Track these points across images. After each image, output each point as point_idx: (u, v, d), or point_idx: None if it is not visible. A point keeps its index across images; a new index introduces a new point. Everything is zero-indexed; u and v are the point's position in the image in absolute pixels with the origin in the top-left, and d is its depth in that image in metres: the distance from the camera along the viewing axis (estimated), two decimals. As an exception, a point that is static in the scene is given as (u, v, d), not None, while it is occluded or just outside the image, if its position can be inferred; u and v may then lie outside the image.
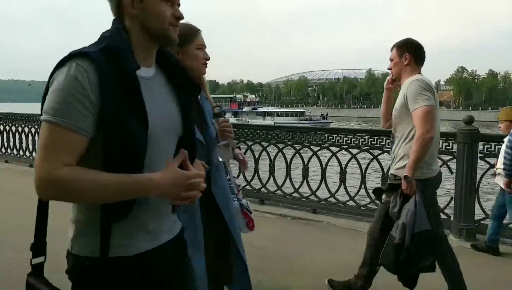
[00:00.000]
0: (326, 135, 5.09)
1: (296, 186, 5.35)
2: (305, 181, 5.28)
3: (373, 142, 4.80)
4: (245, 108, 67.92)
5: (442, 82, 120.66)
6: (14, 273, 3.45)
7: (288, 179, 5.40)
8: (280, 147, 5.42)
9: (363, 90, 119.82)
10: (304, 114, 63.61)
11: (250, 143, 5.66)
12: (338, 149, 5.03)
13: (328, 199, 5.12)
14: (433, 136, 2.50)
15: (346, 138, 4.95)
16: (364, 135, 4.88)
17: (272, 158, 5.51)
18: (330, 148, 5.09)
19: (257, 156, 5.65)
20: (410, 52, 2.68)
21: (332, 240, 4.35)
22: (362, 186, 4.90)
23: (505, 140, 3.57)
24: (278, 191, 5.49)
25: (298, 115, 61.81)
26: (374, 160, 4.81)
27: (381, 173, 4.82)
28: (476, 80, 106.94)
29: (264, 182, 5.59)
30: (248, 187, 5.73)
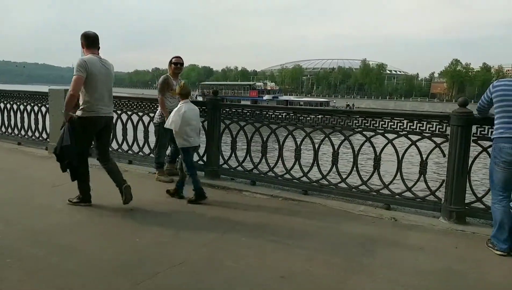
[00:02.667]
0: (320, 116, 5.04)
1: (288, 167, 5.30)
2: (297, 163, 5.24)
3: (366, 124, 4.76)
4: (266, 96, 65.70)
5: (436, 74, 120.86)
6: (2, 243, 3.43)
7: (280, 161, 5.35)
8: (273, 128, 5.36)
9: (358, 80, 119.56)
10: (328, 104, 61.26)
11: (242, 123, 5.59)
12: (331, 130, 4.98)
13: (320, 181, 5.09)
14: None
15: (340, 120, 4.90)
16: (357, 116, 4.83)
17: (264, 139, 5.45)
18: (323, 129, 5.03)
19: (249, 136, 5.59)
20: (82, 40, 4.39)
21: (321, 220, 4.33)
22: (354, 168, 4.88)
23: None
24: (270, 172, 5.45)
25: (323, 105, 59.05)
26: (367, 142, 4.78)
27: (373, 155, 4.79)
28: (470, 73, 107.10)
29: (256, 163, 5.54)
30: (239, 168, 5.69)
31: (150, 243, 3.57)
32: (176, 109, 4.82)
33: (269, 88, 72.64)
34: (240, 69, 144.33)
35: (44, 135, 7.74)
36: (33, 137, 7.98)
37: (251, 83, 77.84)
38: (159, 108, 5.67)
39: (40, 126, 7.84)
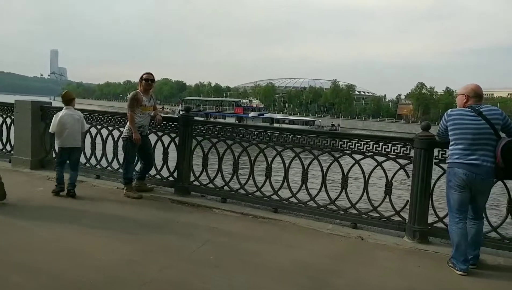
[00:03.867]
0: (290, 136, 5.13)
1: (259, 185, 5.35)
2: (267, 181, 5.30)
3: (334, 145, 4.89)
4: (251, 114, 65.12)
5: (402, 96, 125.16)
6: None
7: (251, 178, 5.40)
8: (245, 146, 5.41)
9: (328, 100, 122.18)
10: (314, 123, 61.29)
11: (214, 140, 5.62)
12: (301, 150, 5.08)
13: (290, 199, 5.15)
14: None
15: (310, 140, 5.02)
16: (326, 137, 4.96)
17: (236, 156, 5.48)
18: (293, 148, 5.13)
19: (221, 154, 5.61)
20: None
21: (291, 239, 4.38)
22: (323, 187, 4.98)
23: None
24: (241, 190, 5.47)
25: (308, 124, 59.37)
26: (335, 162, 4.91)
27: (341, 175, 4.91)
28: (434, 96, 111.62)
29: (227, 180, 5.55)
30: (210, 185, 5.69)
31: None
32: (56, 114, 5.72)
33: (255, 106, 72.32)
34: (213, 85, 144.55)
35: (8, 147, 7.47)
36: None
37: (236, 100, 77.38)
38: (127, 123, 5.62)
39: (4, 138, 7.56)
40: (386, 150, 4.60)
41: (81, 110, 6.72)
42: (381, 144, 4.63)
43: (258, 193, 5.35)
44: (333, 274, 3.54)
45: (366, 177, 4.76)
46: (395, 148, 4.57)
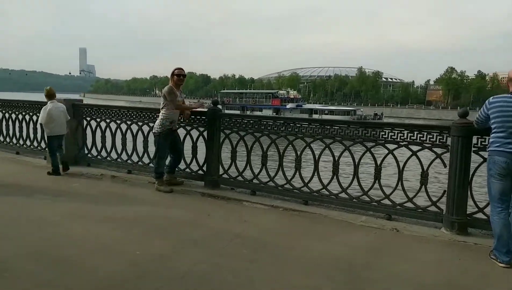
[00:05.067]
0: (320, 126, 5.03)
1: (289, 177, 5.29)
2: (297, 173, 5.23)
3: (366, 134, 4.76)
4: (289, 105, 63.57)
5: (431, 82, 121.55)
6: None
7: (280, 170, 5.34)
8: (273, 138, 5.35)
9: (354, 88, 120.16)
10: (355, 112, 59.46)
11: (242, 133, 5.58)
12: (331, 140, 4.97)
13: (320, 191, 5.07)
14: None
15: (340, 130, 4.90)
16: (358, 127, 4.83)
17: (264, 149, 5.43)
18: (323, 139, 5.02)
19: (249, 146, 5.58)
20: None
21: (323, 232, 4.31)
22: (355, 178, 4.86)
23: None
24: (270, 182, 5.42)
25: (350, 113, 57.63)
26: (368, 152, 4.77)
27: (373, 166, 4.78)
28: (465, 81, 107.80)
29: (256, 173, 5.52)
30: (239, 178, 5.67)
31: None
32: (44, 107, 6.56)
33: (292, 97, 70.09)
34: (237, 77, 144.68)
35: (43, 145, 7.69)
36: (32, 147, 7.94)
37: (273, 91, 74.95)
38: (159, 118, 5.65)
39: (38, 136, 7.80)
40: (421, 138, 4.44)
41: (110, 107, 6.88)
42: (416, 132, 4.46)
43: (287, 186, 5.29)
44: (368, 268, 3.45)
45: (401, 167, 4.61)
46: (431, 136, 4.40)
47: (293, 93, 74.25)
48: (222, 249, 3.74)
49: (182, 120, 5.92)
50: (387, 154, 4.70)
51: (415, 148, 4.51)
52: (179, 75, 5.63)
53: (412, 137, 4.49)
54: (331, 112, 59.35)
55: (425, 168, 4.47)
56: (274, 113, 57.86)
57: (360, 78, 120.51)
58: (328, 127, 4.97)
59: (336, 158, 4.94)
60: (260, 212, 4.92)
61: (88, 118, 7.08)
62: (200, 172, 5.96)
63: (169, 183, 5.82)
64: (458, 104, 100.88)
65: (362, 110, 66.80)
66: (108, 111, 6.81)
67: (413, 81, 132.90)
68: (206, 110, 5.84)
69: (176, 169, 6.06)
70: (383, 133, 4.64)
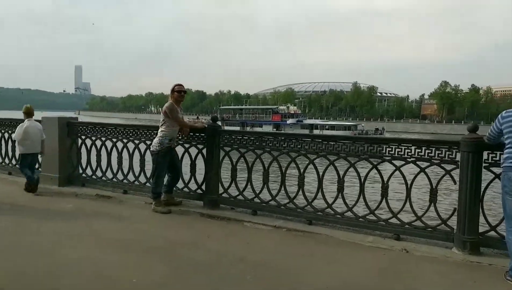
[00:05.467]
0: (324, 142, 4.87)
1: (291, 196, 5.10)
2: (300, 191, 5.04)
3: (372, 151, 4.60)
4: (289, 121, 62.93)
5: (426, 96, 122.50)
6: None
7: (282, 189, 5.15)
8: (275, 155, 5.18)
9: (349, 103, 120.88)
10: (356, 127, 59.35)
11: (243, 150, 5.41)
12: (336, 157, 4.81)
13: (325, 210, 4.87)
14: None
15: (345, 146, 4.74)
16: (363, 143, 4.68)
17: (266, 166, 5.25)
18: (327, 156, 4.86)
19: (250, 164, 5.40)
20: None
21: (330, 254, 4.11)
22: (361, 197, 4.68)
23: None
24: (272, 201, 5.23)
25: (351, 128, 57.55)
26: (373, 170, 4.61)
27: (380, 183, 4.61)
28: (459, 95, 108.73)
29: (257, 191, 5.32)
30: (240, 197, 5.47)
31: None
32: (21, 124, 6.61)
33: (293, 112, 69.55)
34: (233, 93, 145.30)
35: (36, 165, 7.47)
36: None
37: (273, 107, 74.73)
38: (157, 137, 5.47)
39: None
40: (430, 154, 4.28)
41: (105, 124, 6.70)
42: (423, 148, 4.31)
43: (290, 205, 5.09)
44: (382, 293, 3.25)
45: (409, 184, 4.44)
46: (439, 152, 4.24)
47: (293, 109, 73.80)
48: (225, 274, 3.52)
49: (180, 137, 5.75)
50: (394, 171, 4.53)
51: (423, 164, 4.35)
52: (179, 92, 5.48)
53: (420, 153, 4.33)
54: (332, 127, 59.26)
55: (434, 185, 4.31)
56: (275, 129, 57.47)
57: (355, 93, 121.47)
58: (332, 143, 4.81)
59: (341, 176, 4.76)
60: (262, 233, 4.71)
61: (83, 137, 6.88)
62: (199, 191, 5.76)
63: (167, 203, 5.61)
64: (453, 118, 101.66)
65: (363, 125, 66.72)
66: (104, 129, 6.62)
67: (408, 96, 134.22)
68: (205, 126, 5.67)
69: (174, 188, 5.86)
70: (390, 149, 4.48)
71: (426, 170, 4.37)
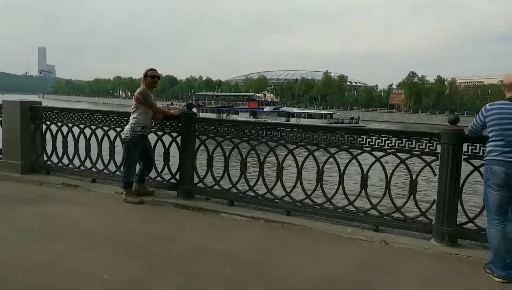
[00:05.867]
0: (303, 133, 4.76)
1: (269, 186, 4.97)
2: (279, 181, 4.92)
3: (352, 141, 4.52)
4: (266, 108, 61.80)
5: (394, 86, 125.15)
6: None
7: (260, 179, 5.01)
8: (253, 144, 5.03)
9: (320, 91, 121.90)
10: (332, 116, 59.66)
11: (220, 139, 5.22)
12: (315, 147, 4.70)
13: (304, 201, 4.78)
14: None
15: (325, 136, 4.64)
16: (343, 133, 4.58)
17: (244, 156, 5.09)
18: (307, 146, 4.75)
19: (227, 153, 5.22)
20: None
21: (310, 246, 4.02)
22: (340, 188, 4.61)
23: None
24: (250, 192, 5.09)
25: (327, 117, 57.83)
26: (353, 160, 4.53)
27: (360, 174, 4.55)
28: (426, 85, 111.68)
29: (234, 181, 5.16)
30: (216, 187, 5.30)
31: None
32: None
33: (269, 100, 68.38)
34: (204, 79, 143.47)
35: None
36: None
37: (250, 94, 73.16)
38: (129, 124, 5.19)
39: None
40: (410, 146, 4.24)
41: (72, 110, 6.32)
42: (404, 139, 4.26)
43: (268, 195, 4.97)
44: (364, 287, 3.19)
45: (388, 176, 4.39)
46: (420, 143, 4.21)
47: (270, 96, 72.94)
48: (202, 270, 3.36)
49: (153, 124, 5.48)
50: (374, 162, 4.48)
51: (403, 155, 4.31)
52: (153, 77, 5.19)
53: (400, 144, 4.29)
54: (309, 115, 59.33)
55: (413, 177, 4.28)
56: (251, 116, 57.21)
57: (326, 82, 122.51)
58: (312, 133, 4.70)
59: (321, 166, 4.67)
60: (240, 224, 4.57)
61: (48, 122, 6.47)
62: (173, 180, 5.54)
63: (138, 193, 5.36)
64: (419, 108, 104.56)
65: (338, 114, 67.01)
66: (71, 115, 6.23)
67: (377, 85, 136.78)
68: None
69: (146, 178, 5.61)
70: (370, 140, 4.41)
71: (407, 161, 4.34)
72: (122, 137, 5.26)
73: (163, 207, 5.09)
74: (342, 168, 4.59)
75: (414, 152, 4.24)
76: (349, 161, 4.55)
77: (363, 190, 4.51)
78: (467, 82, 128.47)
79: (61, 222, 4.44)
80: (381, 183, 4.50)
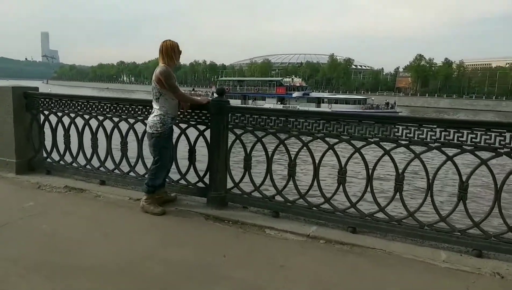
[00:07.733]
0: (376, 125, 3.62)
1: (327, 194, 3.88)
2: (340, 188, 3.83)
3: (447, 137, 3.41)
4: (295, 94, 57.80)
5: (401, 69, 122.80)
6: None
7: (315, 183, 3.92)
8: (305, 141, 3.92)
9: (326, 75, 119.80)
10: (366, 101, 55.71)
11: (260, 134, 4.12)
12: (394, 145, 3.59)
13: (375, 215, 3.70)
14: None
15: (408, 131, 3.51)
16: (434, 127, 3.45)
17: (292, 155, 4.00)
18: (380, 143, 3.64)
19: (270, 152, 4.13)
20: None
21: (399, 282, 2.96)
22: (429, 197, 3.51)
23: None
24: (301, 200, 4.01)
25: (360, 102, 54.18)
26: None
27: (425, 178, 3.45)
28: (433, 68, 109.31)
29: (280, 187, 4.08)
30: (256, 194, 4.22)
31: None
32: None
33: (298, 85, 64.15)
34: (208, 63, 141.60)
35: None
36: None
37: (278, 79, 68.39)
38: (155, 114, 4.07)
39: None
40: (461, 139, 3.18)
41: (75, 97, 5.22)
42: (452, 131, 3.27)
43: (326, 206, 3.89)
44: None
45: (499, 183, 3.28)
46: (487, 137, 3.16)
47: (298, 81, 68.60)
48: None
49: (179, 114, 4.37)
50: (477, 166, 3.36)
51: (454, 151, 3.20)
52: (180, 52, 4.14)
53: (447, 137, 3.23)
54: (341, 100, 54.98)
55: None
56: (279, 102, 54.39)
57: (332, 65, 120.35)
58: (379, 125, 3.57)
59: (400, 171, 3.57)
60: (294, 247, 3.50)
61: (46, 112, 5.38)
62: (201, 184, 4.46)
63: (159, 201, 4.30)
64: (427, 91, 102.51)
65: (373, 98, 61.63)
66: (73, 103, 5.13)
67: (383, 68, 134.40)
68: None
69: (167, 180, 4.54)
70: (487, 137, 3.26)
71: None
72: (150, 131, 4.09)
73: (192, 220, 4.03)
74: (431, 174, 3.47)
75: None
76: (441, 165, 3.44)
77: (461, 201, 3.40)
78: (475, 65, 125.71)
79: (59, 246, 3.38)
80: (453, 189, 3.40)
